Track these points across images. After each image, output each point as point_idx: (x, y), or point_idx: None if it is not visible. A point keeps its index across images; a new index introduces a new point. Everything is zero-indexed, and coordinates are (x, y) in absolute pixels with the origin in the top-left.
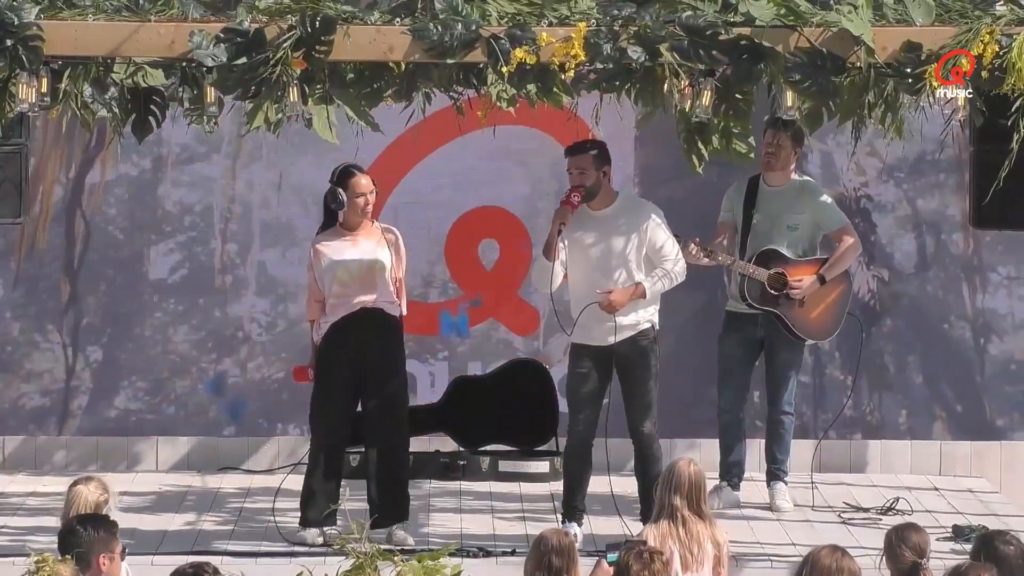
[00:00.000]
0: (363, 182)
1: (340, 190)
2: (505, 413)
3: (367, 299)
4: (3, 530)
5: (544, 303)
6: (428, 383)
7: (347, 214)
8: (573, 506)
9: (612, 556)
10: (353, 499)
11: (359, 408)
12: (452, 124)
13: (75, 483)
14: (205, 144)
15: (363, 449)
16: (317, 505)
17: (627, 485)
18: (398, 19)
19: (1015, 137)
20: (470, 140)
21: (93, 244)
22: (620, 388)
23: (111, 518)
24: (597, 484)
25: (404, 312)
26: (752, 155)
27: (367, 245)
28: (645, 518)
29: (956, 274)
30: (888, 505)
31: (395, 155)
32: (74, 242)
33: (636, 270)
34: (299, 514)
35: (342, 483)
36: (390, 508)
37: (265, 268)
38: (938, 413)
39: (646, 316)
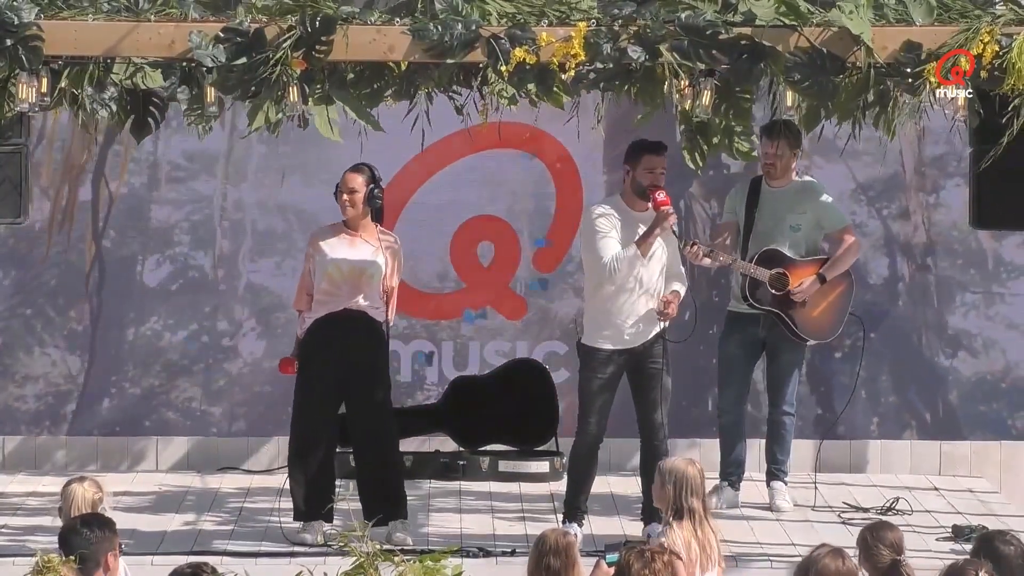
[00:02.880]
0: (346, 179)
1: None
2: (505, 413)
3: (353, 301)
4: (3, 530)
5: (530, 294)
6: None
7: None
8: (576, 507)
9: (611, 556)
10: (354, 498)
11: (343, 410)
12: (457, 147)
13: (69, 483)
14: (197, 162)
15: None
16: (297, 498)
17: (627, 485)
18: (398, 19)
19: (1006, 133)
20: (471, 160)
21: (93, 250)
22: (629, 386)
23: (109, 517)
24: (597, 484)
25: (391, 320)
26: (755, 153)
27: (365, 248)
28: (647, 517)
29: (928, 294)
30: (888, 505)
31: (409, 172)
32: (75, 244)
33: (662, 276)
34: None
35: (345, 482)
36: (389, 506)
37: (255, 278)
38: (908, 420)
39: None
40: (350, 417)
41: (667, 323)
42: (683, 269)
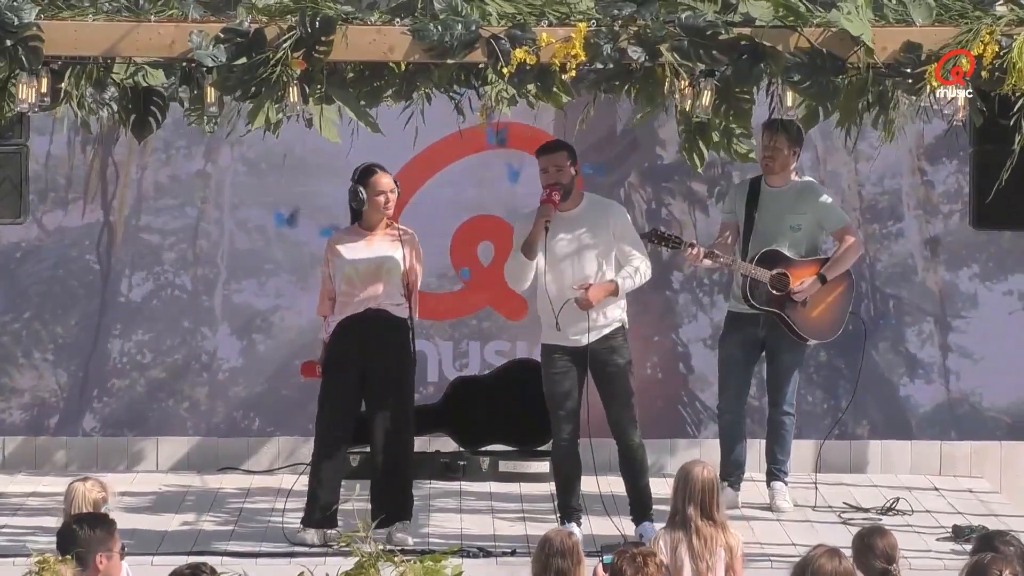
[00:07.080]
0: (384, 180)
1: (360, 188)
2: (505, 413)
3: (372, 299)
4: (3, 530)
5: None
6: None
7: (367, 212)
8: (570, 506)
9: (608, 558)
10: (356, 498)
11: (363, 408)
12: (457, 146)
13: (73, 482)
14: (179, 184)
15: (366, 449)
16: (320, 505)
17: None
18: (398, 19)
19: (1017, 138)
20: (471, 160)
21: (86, 263)
22: (596, 390)
23: (109, 516)
24: (596, 484)
25: (416, 315)
26: (753, 155)
27: (381, 245)
28: (636, 517)
29: (894, 319)
30: (888, 505)
31: (409, 172)
32: (65, 260)
33: (608, 269)
34: (300, 514)
35: (347, 482)
36: (397, 507)
37: (239, 297)
38: (868, 428)
39: (615, 316)
40: (370, 417)
41: (623, 325)
42: (638, 265)
